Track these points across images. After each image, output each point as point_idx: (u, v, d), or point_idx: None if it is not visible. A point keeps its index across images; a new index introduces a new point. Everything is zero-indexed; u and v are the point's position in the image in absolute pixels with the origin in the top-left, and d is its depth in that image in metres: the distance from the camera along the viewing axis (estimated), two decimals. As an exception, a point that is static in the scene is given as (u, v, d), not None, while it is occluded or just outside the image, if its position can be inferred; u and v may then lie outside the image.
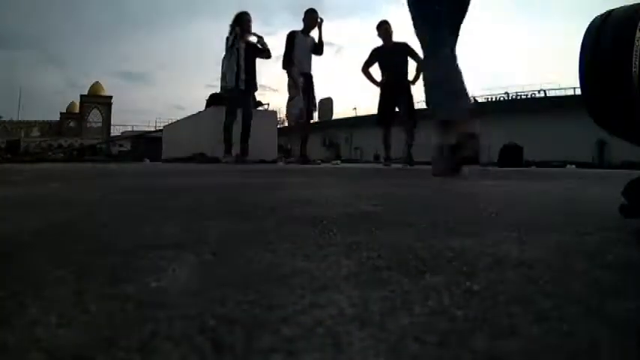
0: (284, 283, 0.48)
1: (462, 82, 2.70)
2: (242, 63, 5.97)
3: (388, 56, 6.23)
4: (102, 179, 2.60)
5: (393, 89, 6.18)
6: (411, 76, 6.23)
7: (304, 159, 6.35)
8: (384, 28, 6.33)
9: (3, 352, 0.32)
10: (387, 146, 6.47)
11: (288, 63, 6.20)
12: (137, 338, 0.34)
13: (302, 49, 6.25)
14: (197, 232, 0.79)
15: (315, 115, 6.59)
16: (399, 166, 5.84)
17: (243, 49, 6.00)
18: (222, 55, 6.08)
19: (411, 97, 6.20)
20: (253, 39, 6.19)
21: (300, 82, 6.18)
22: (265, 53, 6.24)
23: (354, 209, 1.12)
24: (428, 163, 5.76)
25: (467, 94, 2.83)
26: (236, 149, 6.00)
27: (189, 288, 0.47)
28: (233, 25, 6.04)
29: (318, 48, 6.36)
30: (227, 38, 6.02)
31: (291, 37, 6.24)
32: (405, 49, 6.17)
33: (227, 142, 5.92)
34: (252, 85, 6.15)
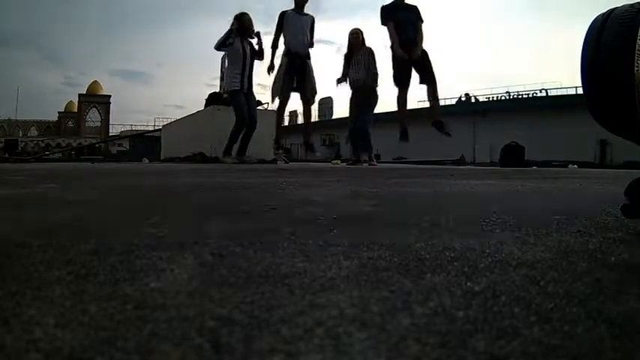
0: (284, 283, 0.48)
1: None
2: (247, 64, 5.91)
3: (401, 13, 5.69)
4: (100, 179, 2.60)
5: (406, 48, 5.59)
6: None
7: (308, 147, 6.30)
8: None
9: (1, 352, 0.31)
10: (401, 110, 5.74)
11: (273, 44, 6.03)
12: (136, 339, 0.34)
13: (294, 29, 6.01)
14: (197, 232, 0.78)
15: (315, 114, 6.46)
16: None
17: (248, 49, 5.95)
18: (222, 55, 5.99)
19: (425, 57, 5.58)
20: (254, 40, 6.12)
21: (285, 63, 5.88)
22: (260, 55, 6.17)
23: (355, 209, 1.12)
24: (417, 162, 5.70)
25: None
26: (235, 148, 5.95)
27: (189, 288, 0.46)
28: (234, 26, 5.98)
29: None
30: (228, 37, 5.95)
31: (280, 18, 6.02)
32: (416, 12, 5.74)
33: (231, 146, 5.85)
34: (251, 85, 6.10)
